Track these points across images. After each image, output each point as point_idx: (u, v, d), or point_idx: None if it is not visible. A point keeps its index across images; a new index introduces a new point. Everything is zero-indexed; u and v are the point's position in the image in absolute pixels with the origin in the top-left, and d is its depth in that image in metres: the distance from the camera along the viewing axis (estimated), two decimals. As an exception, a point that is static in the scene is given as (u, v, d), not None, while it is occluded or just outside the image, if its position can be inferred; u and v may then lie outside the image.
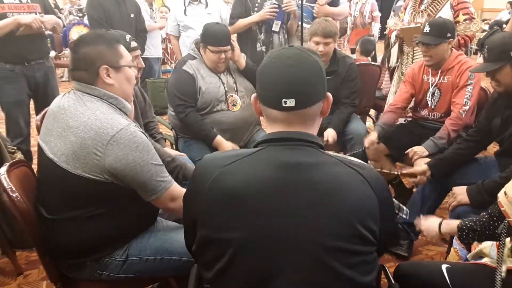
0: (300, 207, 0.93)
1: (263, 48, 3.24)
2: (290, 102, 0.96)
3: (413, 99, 2.61)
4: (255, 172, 0.97)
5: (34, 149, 3.05)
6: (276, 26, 3.17)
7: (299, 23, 3.24)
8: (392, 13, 3.87)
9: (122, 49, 1.44)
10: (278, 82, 0.97)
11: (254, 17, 3.14)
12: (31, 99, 3.00)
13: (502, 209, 1.21)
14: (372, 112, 3.77)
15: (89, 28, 3.78)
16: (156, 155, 1.38)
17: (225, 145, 2.44)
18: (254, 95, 1.06)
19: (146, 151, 1.33)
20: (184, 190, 1.17)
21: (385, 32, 3.39)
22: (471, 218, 1.41)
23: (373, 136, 2.53)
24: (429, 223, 1.60)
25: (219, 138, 2.44)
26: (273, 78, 0.99)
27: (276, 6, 3.05)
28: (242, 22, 3.18)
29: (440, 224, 1.55)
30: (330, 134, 2.64)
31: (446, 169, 2.12)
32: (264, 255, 0.93)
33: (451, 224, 1.51)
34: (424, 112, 2.56)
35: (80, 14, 8.08)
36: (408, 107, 2.69)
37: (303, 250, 0.92)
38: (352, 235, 0.93)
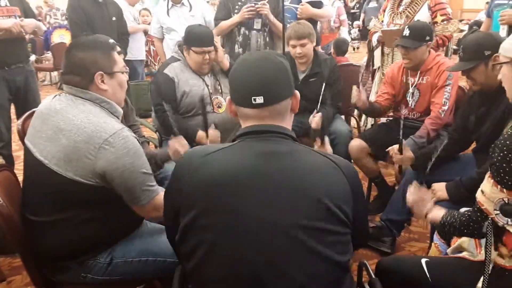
0: (276, 192, 0.99)
1: (241, 50, 3.28)
2: (259, 99, 1.04)
3: (394, 99, 2.66)
4: (233, 161, 1.03)
5: (16, 154, 3.02)
6: (257, 24, 3.23)
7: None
8: (362, 14, 3.93)
9: (115, 55, 1.44)
10: (246, 82, 1.07)
11: (235, 18, 3.19)
12: (12, 104, 2.96)
13: (482, 207, 1.24)
14: (355, 113, 3.81)
15: (71, 31, 3.73)
16: (146, 162, 1.39)
17: (206, 137, 2.35)
18: (228, 97, 1.14)
19: (137, 157, 1.34)
20: None
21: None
22: (454, 213, 1.43)
23: (362, 94, 2.52)
24: (420, 201, 1.57)
25: (200, 133, 2.40)
26: (242, 79, 1.08)
27: (253, 5, 3.10)
28: (225, 24, 3.22)
29: (427, 213, 1.54)
30: (314, 120, 2.61)
31: (427, 162, 2.16)
32: (243, 240, 0.97)
33: (436, 216, 1.51)
34: (404, 112, 2.61)
35: (61, 18, 8.00)
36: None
37: (281, 233, 0.96)
38: (326, 214, 0.99)
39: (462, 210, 1.45)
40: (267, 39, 3.33)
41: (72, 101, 1.36)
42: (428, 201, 1.58)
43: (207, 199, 1.00)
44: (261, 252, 0.96)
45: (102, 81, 1.38)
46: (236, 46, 3.27)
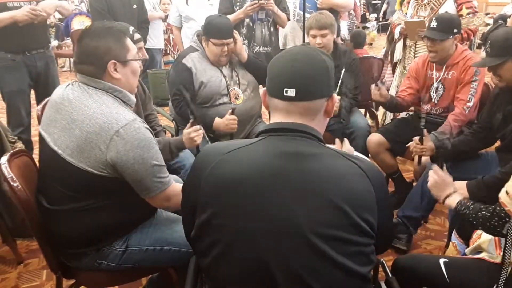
0: (297, 195, 0.94)
1: (246, 42, 3.26)
2: (291, 92, 1.00)
3: (417, 94, 2.60)
4: (254, 160, 0.99)
5: (34, 139, 3.06)
6: (261, 14, 3.24)
7: (301, 13, 3.26)
8: (385, 5, 3.84)
9: (129, 42, 1.42)
10: (282, 73, 1.02)
11: (239, 14, 3.16)
12: (32, 89, 2.99)
13: (506, 208, 1.20)
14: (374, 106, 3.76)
15: (91, 18, 3.75)
16: (158, 153, 1.38)
17: (220, 121, 2.37)
18: (264, 88, 1.09)
19: (147, 149, 1.32)
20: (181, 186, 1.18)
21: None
22: (469, 205, 1.39)
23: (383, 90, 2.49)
24: (443, 185, 1.55)
25: (216, 120, 2.39)
26: (279, 69, 1.04)
27: (256, 2, 3.08)
28: (229, 18, 3.19)
29: (448, 195, 1.51)
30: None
31: (450, 155, 2.11)
32: (259, 242, 0.94)
33: (452, 203, 1.48)
34: (426, 107, 2.56)
35: (80, 4, 8.05)
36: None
37: (299, 238, 0.93)
38: (349, 224, 0.94)
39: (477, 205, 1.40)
40: (272, 29, 3.32)
41: (85, 90, 1.35)
42: (449, 185, 1.54)
43: (224, 199, 0.98)
44: (277, 255, 0.93)
45: (115, 70, 1.36)
46: (241, 38, 3.25)
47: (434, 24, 2.31)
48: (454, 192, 1.52)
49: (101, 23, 1.46)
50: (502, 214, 1.26)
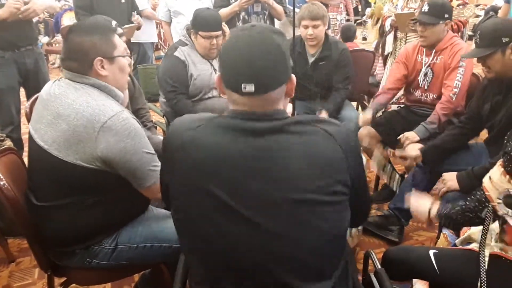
0: (265, 168, 0.94)
1: None
2: (250, 87, 0.93)
3: (406, 80, 2.60)
4: (223, 136, 0.97)
5: (25, 136, 3.03)
6: (257, 7, 3.24)
7: (290, 7, 3.24)
8: None
9: (116, 38, 1.41)
10: (237, 65, 0.95)
11: (234, 7, 3.15)
12: (22, 87, 2.96)
13: (487, 193, 1.22)
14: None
15: (76, 16, 3.70)
16: (148, 143, 1.37)
17: None
18: (218, 74, 1.02)
19: (138, 138, 1.32)
20: None
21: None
22: (448, 206, 1.42)
23: (368, 114, 2.54)
24: (419, 204, 1.58)
25: None
26: (233, 59, 0.96)
27: None
28: (224, 11, 3.18)
29: (430, 209, 1.53)
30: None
31: (437, 156, 2.14)
32: (235, 216, 0.94)
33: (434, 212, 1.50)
34: (417, 93, 2.55)
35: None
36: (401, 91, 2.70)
37: (273, 208, 0.93)
38: (318, 186, 0.94)
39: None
40: (267, 22, 3.31)
41: (71, 85, 1.34)
42: (425, 200, 1.56)
43: (197, 176, 0.96)
44: (251, 227, 0.94)
45: (102, 67, 1.35)
46: None
47: (426, 8, 2.32)
48: (432, 205, 1.53)
49: (87, 19, 1.44)
50: (483, 199, 1.29)
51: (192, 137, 0.98)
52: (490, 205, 1.21)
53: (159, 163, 1.39)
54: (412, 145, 2.23)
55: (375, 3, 3.94)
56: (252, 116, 0.96)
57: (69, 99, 1.31)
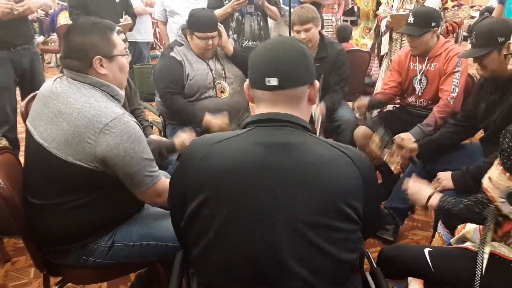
0: (284, 184, 0.95)
1: (235, 36, 3.26)
2: (273, 81, 1.00)
3: (400, 87, 2.62)
4: (242, 150, 1.00)
5: (21, 136, 3.02)
6: (250, 8, 3.24)
7: (285, 7, 3.26)
8: None
9: (115, 37, 1.41)
10: (262, 62, 1.03)
11: (227, 8, 3.16)
12: (17, 86, 2.95)
13: (488, 194, 1.22)
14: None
15: (70, 16, 3.68)
16: (147, 148, 1.38)
17: (214, 121, 2.37)
18: (246, 82, 1.10)
19: (137, 142, 1.32)
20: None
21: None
22: (451, 200, 1.42)
23: (364, 100, 2.58)
24: (420, 189, 1.57)
25: (207, 117, 2.38)
26: (258, 60, 1.05)
27: None
28: (217, 12, 3.17)
29: (429, 197, 1.52)
30: (318, 109, 2.61)
31: (433, 151, 2.15)
32: (248, 231, 0.95)
33: (434, 202, 1.50)
34: (411, 99, 2.58)
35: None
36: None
37: (286, 226, 0.94)
38: (334, 211, 0.95)
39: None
40: (261, 23, 3.31)
41: (73, 84, 1.35)
42: (426, 187, 1.56)
43: (213, 188, 0.98)
44: (264, 243, 0.94)
45: (101, 65, 1.36)
46: (230, 32, 3.25)
47: (411, 19, 2.34)
48: (433, 192, 1.53)
49: (87, 18, 1.45)
50: (485, 200, 1.29)
51: (212, 150, 1.01)
52: (492, 205, 1.21)
53: (156, 169, 1.41)
54: (409, 138, 2.24)
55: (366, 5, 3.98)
56: (274, 117, 1.01)
57: (71, 98, 1.31)
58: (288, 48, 1.03)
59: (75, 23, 1.40)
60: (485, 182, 1.25)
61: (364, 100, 2.62)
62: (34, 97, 1.68)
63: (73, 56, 1.35)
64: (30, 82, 2.91)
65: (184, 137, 1.93)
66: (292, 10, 3.03)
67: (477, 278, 1.23)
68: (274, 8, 3.25)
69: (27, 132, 1.39)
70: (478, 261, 1.25)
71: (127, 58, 1.47)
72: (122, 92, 1.44)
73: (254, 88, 1.05)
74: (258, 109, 1.06)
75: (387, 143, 2.35)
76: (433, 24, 2.32)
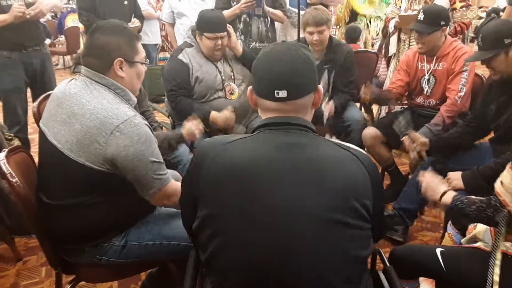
0: (297, 182, 0.97)
1: (242, 37, 3.27)
2: (282, 93, 1.02)
3: (408, 87, 2.62)
4: (255, 149, 1.02)
5: (31, 136, 3.06)
6: (258, 11, 3.25)
7: (292, 9, 3.27)
8: None
9: (139, 46, 1.44)
10: (270, 74, 1.04)
11: (235, 10, 3.16)
12: (28, 87, 2.98)
13: (501, 198, 1.22)
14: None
15: (79, 18, 3.70)
16: (157, 150, 1.39)
17: (219, 114, 2.38)
18: (250, 87, 1.12)
19: (147, 145, 1.33)
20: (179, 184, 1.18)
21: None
22: (464, 199, 1.42)
23: (371, 87, 2.56)
24: (436, 184, 1.57)
25: (213, 112, 2.39)
26: (266, 71, 1.06)
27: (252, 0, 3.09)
28: (225, 13, 3.18)
29: (443, 194, 1.51)
30: (327, 107, 2.60)
31: (443, 148, 2.15)
32: (261, 229, 0.96)
33: (447, 199, 1.49)
34: (419, 99, 2.58)
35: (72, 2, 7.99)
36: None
37: (301, 223, 0.95)
38: (348, 208, 0.97)
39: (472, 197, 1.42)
40: (268, 25, 3.32)
41: (87, 85, 1.36)
42: (440, 184, 1.56)
43: (227, 187, 0.99)
44: (278, 241, 0.95)
45: (121, 68, 1.38)
46: (238, 34, 3.26)
47: (421, 16, 2.33)
48: (448, 190, 1.53)
49: (115, 21, 1.47)
50: (497, 204, 1.29)
51: (225, 149, 1.03)
52: (505, 210, 1.21)
53: (165, 172, 1.42)
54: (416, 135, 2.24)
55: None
56: (284, 120, 1.04)
57: (84, 100, 1.33)
58: (296, 59, 1.04)
59: (103, 23, 1.41)
60: (497, 186, 1.25)
61: (370, 87, 2.58)
62: (46, 98, 1.70)
63: (95, 54, 1.37)
64: (41, 83, 2.94)
65: (189, 125, 1.95)
66: (301, 12, 3.03)
67: (489, 284, 1.23)
68: (278, 12, 3.24)
69: (41, 133, 1.40)
70: (490, 266, 1.25)
71: (145, 67, 1.49)
72: (134, 98, 1.46)
73: (262, 98, 1.07)
74: (265, 116, 1.09)
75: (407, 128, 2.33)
76: (443, 23, 2.32)
